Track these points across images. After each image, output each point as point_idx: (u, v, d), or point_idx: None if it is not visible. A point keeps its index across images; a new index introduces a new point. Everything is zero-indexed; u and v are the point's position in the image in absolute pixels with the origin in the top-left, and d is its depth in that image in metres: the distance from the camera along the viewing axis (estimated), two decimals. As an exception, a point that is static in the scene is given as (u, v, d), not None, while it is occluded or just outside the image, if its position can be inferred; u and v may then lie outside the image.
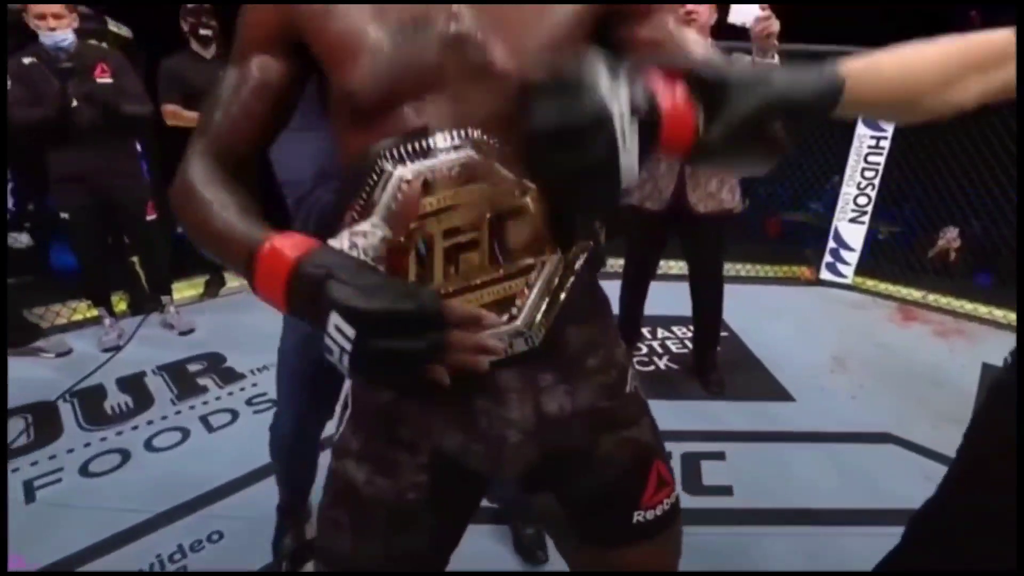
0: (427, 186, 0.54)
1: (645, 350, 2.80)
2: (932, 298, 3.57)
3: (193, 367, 2.59)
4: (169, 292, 3.09)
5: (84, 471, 1.87)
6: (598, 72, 0.48)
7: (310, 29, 0.60)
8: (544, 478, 0.71)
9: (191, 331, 2.95)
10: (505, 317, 0.57)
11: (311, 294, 0.47)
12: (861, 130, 3.58)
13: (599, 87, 0.47)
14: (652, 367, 2.66)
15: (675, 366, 2.66)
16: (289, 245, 0.50)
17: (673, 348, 2.82)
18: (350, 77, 0.58)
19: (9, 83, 2.36)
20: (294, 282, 0.48)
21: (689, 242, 2.34)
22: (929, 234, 3.94)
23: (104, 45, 2.90)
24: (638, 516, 0.71)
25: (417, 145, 0.53)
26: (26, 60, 2.39)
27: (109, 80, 2.52)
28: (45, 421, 2.14)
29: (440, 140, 0.54)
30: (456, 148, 0.54)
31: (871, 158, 3.59)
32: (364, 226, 0.53)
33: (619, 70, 0.49)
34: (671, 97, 0.50)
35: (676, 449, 2.00)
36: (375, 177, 0.54)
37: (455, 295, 0.56)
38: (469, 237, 0.56)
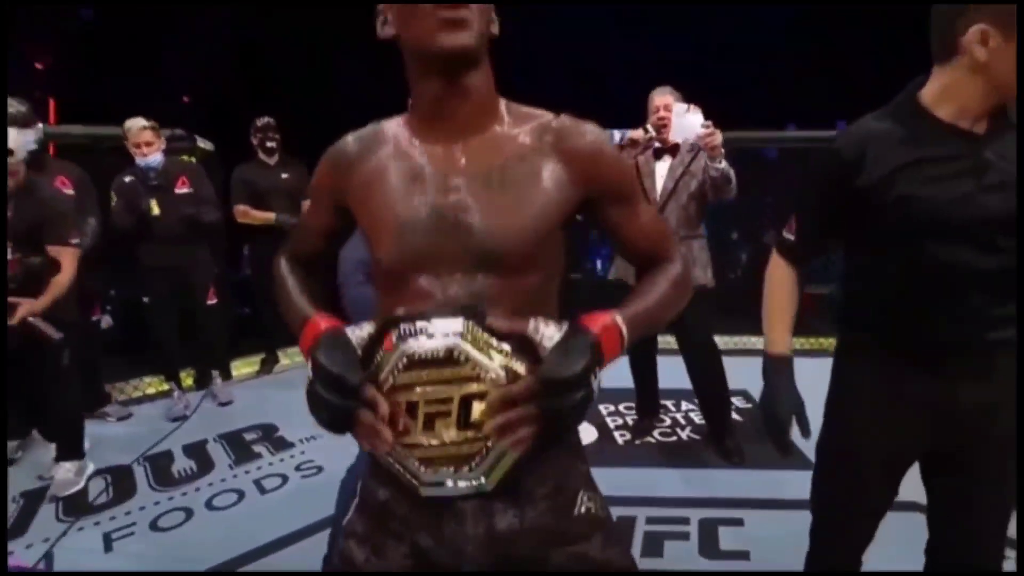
0: (420, 362, 0.69)
1: (668, 422, 2.91)
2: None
3: (249, 436, 2.85)
4: (221, 368, 3.43)
5: (154, 526, 2.09)
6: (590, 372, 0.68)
7: (353, 205, 0.82)
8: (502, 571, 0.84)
9: (230, 403, 3.26)
10: (466, 468, 0.70)
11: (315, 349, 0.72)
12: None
13: (589, 383, 0.68)
14: (675, 438, 2.76)
15: (697, 437, 2.75)
16: (325, 321, 0.76)
17: (696, 420, 2.91)
18: (379, 249, 0.78)
19: (115, 198, 2.92)
20: (316, 341, 0.73)
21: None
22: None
23: (188, 159, 3.48)
24: None
25: (418, 325, 0.70)
26: (127, 179, 2.96)
27: (188, 190, 3.05)
28: (122, 482, 2.40)
29: (439, 325, 0.69)
30: (446, 334, 0.68)
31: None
32: (364, 324, 0.75)
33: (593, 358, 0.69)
34: (604, 330, 0.71)
35: (694, 515, 2.08)
36: (383, 350, 0.72)
37: (431, 448, 0.70)
38: (444, 408, 0.69)
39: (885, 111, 1.04)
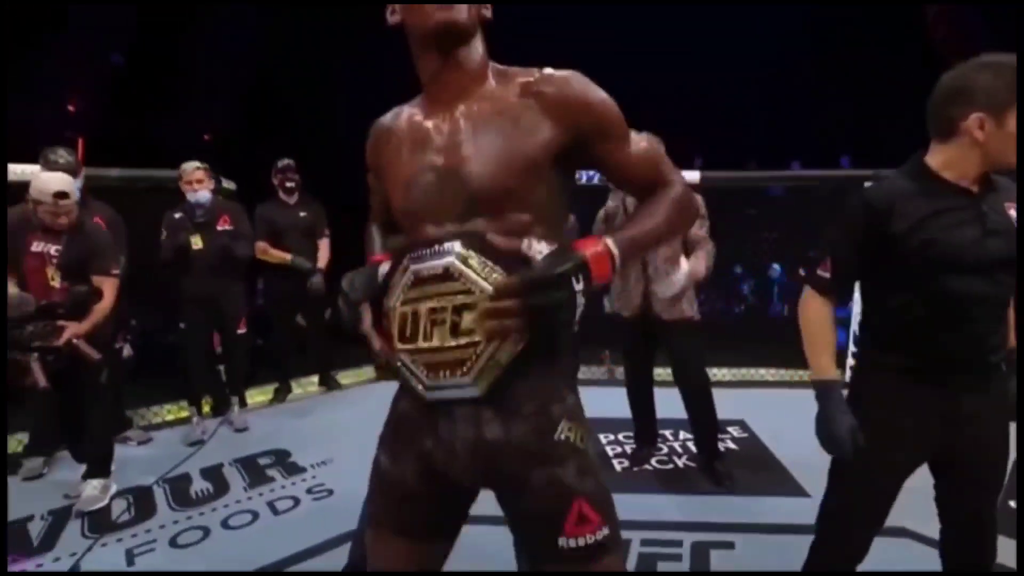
0: (423, 280, 0.84)
1: (666, 451, 2.99)
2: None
3: (263, 460, 2.97)
4: (240, 395, 3.58)
5: (173, 544, 2.21)
6: (571, 274, 0.79)
7: (380, 173, 1.02)
8: (493, 488, 0.91)
9: (245, 429, 3.40)
10: (460, 372, 0.82)
11: None
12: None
13: (570, 284, 0.78)
14: (671, 466, 2.84)
15: (693, 465, 2.82)
16: (378, 258, 1.05)
17: (692, 448, 2.98)
18: (395, 206, 0.96)
19: (164, 232, 3.21)
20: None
21: (666, 347, 2.66)
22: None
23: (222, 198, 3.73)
24: (562, 541, 0.84)
25: (426, 251, 0.85)
26: (176, 215, 3.24)
27: (229, 227, 3.30)
28: (143, 502, 2.53)
29: (441, 250, 0.84)
30: (445, 255, 0.83)
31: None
32: (384, 264, 0.97)
33: (576, 265, 0.79)
34: (594, 254, 0.81)
35: (687, 538, 2.16)
36: (399, 274, 0.90)
37: (428, 352, 0.84)
38: (441, 317, 0.82)
39: (901, 173, 1.30)
